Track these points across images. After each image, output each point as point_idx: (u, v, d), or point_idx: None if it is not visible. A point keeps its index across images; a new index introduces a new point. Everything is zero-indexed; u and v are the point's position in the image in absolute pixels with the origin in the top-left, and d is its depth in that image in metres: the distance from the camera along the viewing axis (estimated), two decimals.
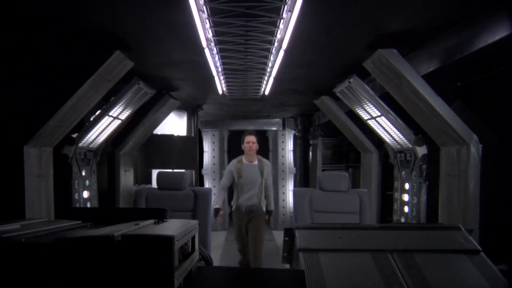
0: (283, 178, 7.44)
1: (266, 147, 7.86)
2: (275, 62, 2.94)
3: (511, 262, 1.97)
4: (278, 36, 2.37)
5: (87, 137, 3.47)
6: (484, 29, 2.10)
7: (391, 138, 3.66)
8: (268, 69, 3.22)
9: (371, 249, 1.14)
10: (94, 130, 3.50)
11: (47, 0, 1.94)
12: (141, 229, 1.00)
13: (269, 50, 2.67)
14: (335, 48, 2.77)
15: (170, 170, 4.79)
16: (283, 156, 7.51)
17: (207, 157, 7.47)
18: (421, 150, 3.22)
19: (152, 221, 1.15)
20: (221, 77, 3.49)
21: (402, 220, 3.72)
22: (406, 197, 3.64)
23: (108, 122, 3.62)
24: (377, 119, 3.56)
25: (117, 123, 3.78)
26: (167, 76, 3.64)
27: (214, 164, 7.47)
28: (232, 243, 6.62)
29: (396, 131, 3.45)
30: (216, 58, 2.83)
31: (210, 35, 2.34)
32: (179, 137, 5.49)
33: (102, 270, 0.88)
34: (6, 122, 2.49)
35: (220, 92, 4.13)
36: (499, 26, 2.00)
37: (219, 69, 3.18)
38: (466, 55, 2.26)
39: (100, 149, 3.82)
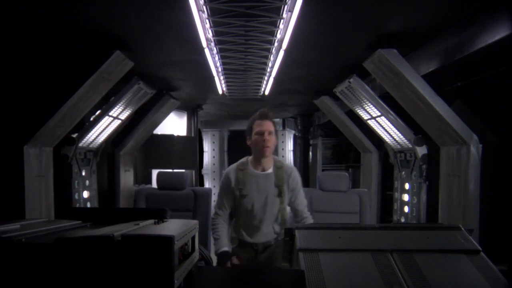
0: None
1: None
2: (275, 62, 2.94)
3: (511, 262, 1.97)
4: (278, 36, 2.37)
5: (87, 137, 3.47)
6: (484, 29, 2.10)
7: (391, 138, 3.66)
8: (268, 69, 3.22)
9: (371, 249, 1.14)
10: (94, 130, 3.50)
11: (47, 0, 1.94)
12: (141, 229, 1.00)
13: (269, 50, 2.67)
14: (335, 48, 2.77)
15: (170, 170, 4.79)
16: (283, 156, 7.52)
17: (207, 157, 7.48)
18: (421, 150, 3.22)
19: (152, 221, 1.14)
20: (221, 77, 3.49)
21: (402, 220, 3.72)
22: (406, 197, 3.64)
23: (108, 122, 3.62)
24: (377, 119, 3.56)
25: (117, 123, 3.78)
26: (167, 76, 3.64)
27: (214, 164, 7.48)
28: None
29: (396, 131, 3.45)
30: (216, 58, 2.83)
31: (210, 35, 2.34)
32: (179, 137, 5.49)
33: (102, 270, 0.88)
34: (6, 122, 2.48)
35: (220, 92, 4.13)
36: (499, 26, 2.00)
37: (219, 69, 3.19)
38: (466, 55, 2.26)
39: (100, 149, 3.82)
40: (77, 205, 3.42)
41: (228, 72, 3.29)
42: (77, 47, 2.68)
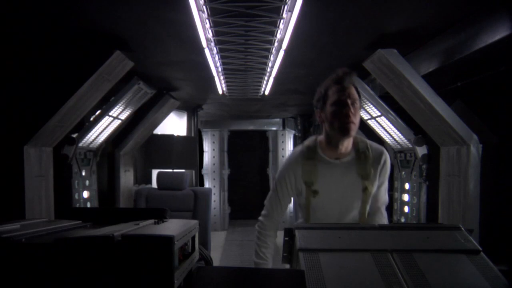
0: None
1: (266, 147, 7.87)
2: (275, 62, 2.94)
3: (511, 262, 1.97)
4: (278, 36, 2.37)
5: (87, 137, 3.47)
6: (484, 29, 2.10)
7: (391, 138, 3.66)
8: (268, 69, 3.22)
9: (371, 249, 1.14)
10: (94, 130, 3.50)
11: (47, 0, 1.94)
12: (141, 229, 1.00)
13: (269, 50, 2.67)
14: (335, 48, 2.76)
15: (170, 170, 4.80)
16: (283, 156, 7.51)
17: (207, 157, 7.48)
18: (421, 150, 3.22)
19: (152, 221, 1.15)
20: (221, 77, 3.49)
21: (402, 220, 3.72)
22: (406, 197, 3.64)
23: (108, 122, 3.62)
24: (377, 119, 3.56)
25: (117, 123, 3.78)
26: (167, 76, 3.64)
27: (214, 164, 7.48)
28: (232, 243, 6.62)
29: (396, 131, 3.45)
30: (216, 58, 2.83)
31: (210, 35, 2.34)
32: (179, 137, 5.49)
33: (102, 270, 0.88)
34: (6, 122, 2.49)
35: (220, 92, 4.13)
36: (499, 26, 1.99)
37: (219, 69, 3.18)
38: (466, 55, 2.26)
39: (100, 149, 3.82)
40: (77, 205, 3.42)
41: (228, 72, 3.29)
42: (77, 47, 2.68)
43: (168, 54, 2.89)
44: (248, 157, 8.62)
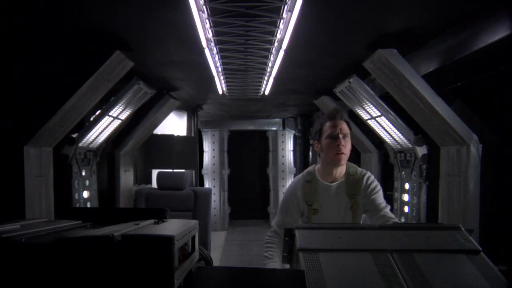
0: (283, 178, 7.45)
1: (266, 147, 7.87)
2: (275, 62, 2.94)
3: (511, 262, 1.96)
4: (278, 36, 2.37)
5: (87, 137, 3.47)
6: (484, 29, 2.10)
7: (391, 138, 3.66)
8: (268, 69, 3.22)
9: (371, 249, 1.14)
10: (94, 130, 3.50)
11: (47, 0, 1.94)
12: (141, 229, 1.00)
13: (269, 50, 2.67)
14: (335, 48, 2.77)
15: (170, 170, 4.80)
16: (283, 156, 7.52)
17: (207, 157, 7.48)
18: (421, 150, 3.22)
19: (152, 221, 1.15)
20: (221, 77, 3.49)
21: (402, 220, 3.72)
22: (406, 197, 3.64)
23: (108, 122, 3.62)
24: (377, 119, 3.56)
25: (117, 123, 3.78)
26: (167, 76, 3.64)
27: (214, 164, 7.48)
28: (232, 243, 6.63)
29: (396, 131, 3.45)
30: (216, 58, 2.83)
31: (210, 35, 2.34)
32: (179, 137, 5.49)
33: (102, 270, 0.88)
34: (6, 122, 2.49)
35: (220, 92, 4.13)
36: (499, 26, 1.99)
37: (219, 69, 3.18)
38: (466, 55, 2.26)
39: (100, 149, 3.82)
40: (77, 205, 3.42)
41: (228, 72, 3.29)
42: (77, 47, 2.68)
43: (168, 54, 2.89)
44: (248, 157, 8.62)
